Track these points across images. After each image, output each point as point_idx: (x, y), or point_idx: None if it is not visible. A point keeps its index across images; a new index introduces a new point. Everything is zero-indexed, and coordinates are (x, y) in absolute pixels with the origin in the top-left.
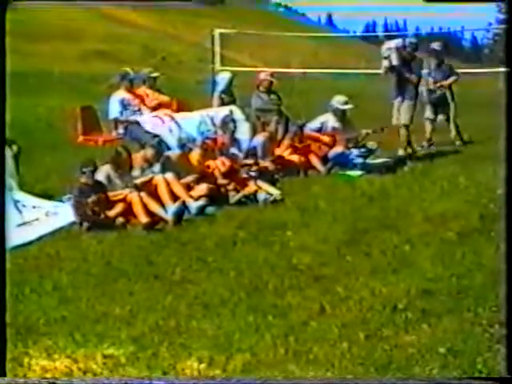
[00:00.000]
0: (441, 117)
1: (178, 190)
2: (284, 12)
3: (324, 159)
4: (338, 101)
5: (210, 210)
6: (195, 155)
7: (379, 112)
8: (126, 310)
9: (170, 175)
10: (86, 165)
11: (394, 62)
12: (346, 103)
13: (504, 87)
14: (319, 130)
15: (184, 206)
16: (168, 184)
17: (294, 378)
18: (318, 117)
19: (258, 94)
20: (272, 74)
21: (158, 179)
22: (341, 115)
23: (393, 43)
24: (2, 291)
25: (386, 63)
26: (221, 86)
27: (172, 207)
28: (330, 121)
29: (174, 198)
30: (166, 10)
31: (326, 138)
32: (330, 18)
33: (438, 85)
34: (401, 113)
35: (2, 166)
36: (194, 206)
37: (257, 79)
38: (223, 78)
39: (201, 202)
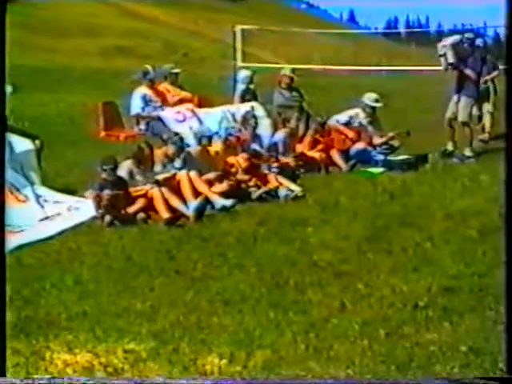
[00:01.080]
0: (484, 110)
1: (201, 186)
2: (306, 8)
3: (346, 155)
4: (368, 97)
5: (230, 205)
6: (217, 151)
7: (400, 109)
8: (146, 305)
9: (193, 172)
10: (106, 162)
11: (451, 59)
12: (376, 101)
13: (506, 86)
14: (347, 124)
15: (206, 202)
16: (191, 180)
17: (315, 376)
18: (347, 110)
19: (280, 90)
20: (293, 71)
21: (182, 175)
22: (370, 112)
23: (448, 40)
24: (2, 291)
25: (442, 61)
26: (241, 84)
27: (194, 203)
28: (359, 116)
29: (197, 194)
30: (187, 6)
31: (351, 133)
32: (352, 14)
33: (483, 80)
34: (459, 110)
35: (2, 166)
36: (219, 203)
37: (278, 76)
38: (243, 75)
39: (230, 202)
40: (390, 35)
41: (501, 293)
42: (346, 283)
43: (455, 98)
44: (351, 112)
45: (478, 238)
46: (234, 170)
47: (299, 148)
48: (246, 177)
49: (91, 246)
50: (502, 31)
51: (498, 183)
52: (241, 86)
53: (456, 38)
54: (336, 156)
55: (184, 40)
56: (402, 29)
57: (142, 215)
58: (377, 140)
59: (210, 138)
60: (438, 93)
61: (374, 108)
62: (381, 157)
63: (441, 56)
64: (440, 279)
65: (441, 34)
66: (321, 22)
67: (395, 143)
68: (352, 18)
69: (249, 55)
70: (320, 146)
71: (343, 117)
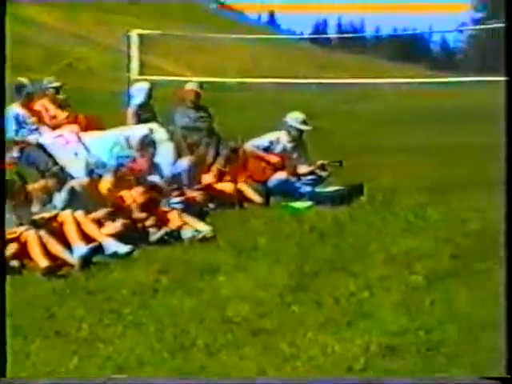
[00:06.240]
0: None
1: (90, 228)
2: (217, 9)
3: (264, 186)
4: (294, 118)
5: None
6: (107, 184)
7: (332, 131)
8: (20, 375)
9: (79, 212)
10: None
11: None
12: (304, 122)
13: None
14: (266, 150)
15: (95, 248)
16: (76, 221)
17: None
18: (267, 134)
19: (184, 109)
20: (201, 85)
21: (65, 215)
22: (296, 135)
23: None
24: (1, 292)
25: None
26: (137, 100)
27: (80, 248)
28: (281, 140)
29: (84, 236)
30: (73, 5)
31: (273, 159)
32: (272, 16)
33: None
34: None
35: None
36: (111, 248)
37: (182, 91)
38: (140, 89)
39: (125, 248)
40: (318, 41)
41: (454, 351)
42: (266, 343)
43: None
44: (272, 136)
45: (425, 285)
46: (128, 206)
47: (207, 179)
48: (142, 215)
49: None
50: None
51: (449, 218)
52: (136, 102)
53: None
54: (247, 189)
55: (69, 46)
56: (332, 34)
57: (14, 263)
58: (302, 169)
59: (99, 169)
60: (374, 111)
61: (300, 131)
62: (307, 188)
63: None
64: (380, 336)
65: (379, 40)
66: (236, 24)
67: (323, 173)
68: (272, 21)
69: (148, 66)
70: (231, 177)
71: (263, 141)
